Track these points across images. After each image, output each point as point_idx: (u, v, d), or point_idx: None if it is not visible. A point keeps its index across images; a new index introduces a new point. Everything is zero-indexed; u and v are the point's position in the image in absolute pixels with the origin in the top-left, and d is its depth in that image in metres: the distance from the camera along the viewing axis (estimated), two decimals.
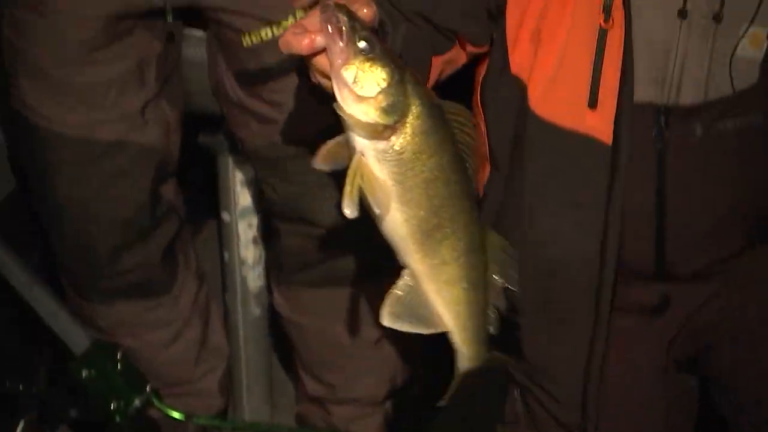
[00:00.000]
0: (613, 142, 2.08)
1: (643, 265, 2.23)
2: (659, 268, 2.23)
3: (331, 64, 1.68)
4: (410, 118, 1.72)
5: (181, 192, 2.91)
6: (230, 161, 3.01)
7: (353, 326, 2.87)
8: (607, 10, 2.05)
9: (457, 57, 2.19)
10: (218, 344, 3.02)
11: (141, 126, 2.66)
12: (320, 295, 2.85)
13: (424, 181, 1.76)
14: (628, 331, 2.29)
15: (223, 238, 3.11)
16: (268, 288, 3.04)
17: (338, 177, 2.64)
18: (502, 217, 2.27)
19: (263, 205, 2.94)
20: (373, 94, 1.68)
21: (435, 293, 1.85)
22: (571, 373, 2.29)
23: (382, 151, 1.73)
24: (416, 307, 1.85)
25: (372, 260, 2.80)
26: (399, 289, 1.84)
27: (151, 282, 2.82)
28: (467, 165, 1.81)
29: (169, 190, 2.82)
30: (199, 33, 2.72)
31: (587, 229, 2.17)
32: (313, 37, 1.70)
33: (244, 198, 3.03)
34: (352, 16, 1.68)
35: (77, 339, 2.79)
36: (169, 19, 2.58)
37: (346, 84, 1.69)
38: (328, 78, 1.70)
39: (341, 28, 1.66)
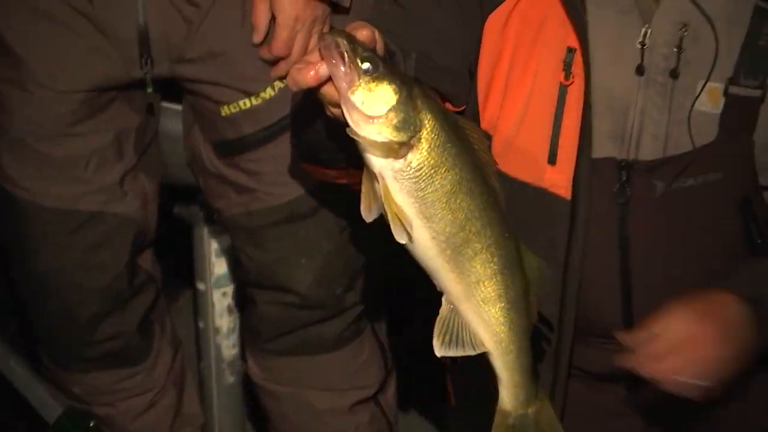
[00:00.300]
0: (572, 197, 2.07)
1: (609, 324, 2.20)
2: (627, 326, 2.21)
3: (338, 90, 1.66)
4: (424, 133, 1.69)
5: (158, 261, 2.91)
6: (205, 232, 3.04)
7: (327, 394, 2.85)
8: (567, 68, 2.06)
9: None
10: (193, 412, 3.00)
11: (120, 197, 2.68)
12: (294, 363, 2.84)
13: (446, 195, 1.72)
14: (587, 395, 2.29)
15: (198, 306, 3.12)
16: (243, 356, 3.03)
17: (312, 245, 2.71)
18: None
19: (238, 274, 2.94)
20: (383, 113, 1.66)
21: (474, 314, 1.80)
22: None
23: (399, 170, 1.69)
24: (460, 330, 1.80)
25: (346, 327, 2.83)
26: (442, 317, 1.80)
27: (127, 350, 2.80)
28: (490, 177, 1.78)
29: (147, 260, 2.82)
30: (174, 106, 2.75)
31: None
32: (316, 67, 1.68)
33: (219, 267, 3.05)
34: (351, 39, 1.67)
35: (50, 408, 2.79)
36: (150, 90, 2.61)
37: (354, 107, 1.66)
38: (340, 106, 1.69)
39: (342, 52, 1.65)
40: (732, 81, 2.06)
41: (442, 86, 2.12)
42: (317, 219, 2.66)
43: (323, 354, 2.83)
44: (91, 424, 2.74)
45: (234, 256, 2.89)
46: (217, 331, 3.09)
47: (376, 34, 1.73)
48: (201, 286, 3.08)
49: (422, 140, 1.68)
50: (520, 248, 1.82)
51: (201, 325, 3.12)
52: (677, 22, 2.05)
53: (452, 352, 1.80)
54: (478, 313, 1.80)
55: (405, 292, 3.21)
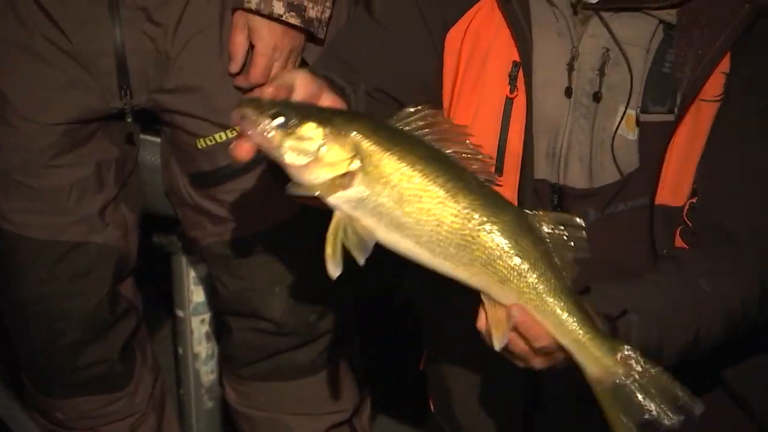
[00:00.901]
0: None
1: None
2: None
3: (267, 153, 1.68)
4: (361, 155, 1.68)
5: (139, 289, 2.91)
6: (183, 261, 3.05)
7: (303, 418, 2.86)
8: (512, 81, 2.07)
9: None
10: None
11: (101, 227, 2.68)
12: (269, 388, 2.85)
13: (405, 198, 1.71)
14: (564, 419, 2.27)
15: (177, 333, 3.13)
16: (221, 381, 3.03)
17: (285, 274, 2.71)
18: None
19: (215, 302, 2.95)
20: (311, 157, 1.66)
21: (506, 294, 1.74)
22: None
23: (353, 198, 1.69)
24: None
25: (319, 353, 2.84)
26: (485, 314, 1.76)
27: (109, 376, 2.80)
28: (451, 155, 1.74)
29: (128, 288, 2.83)
30: (154, 139, 2.77)
31: None
32: (244, 141, 1.70)
33: (197, 295, 3.06)
34: (255, 104, 1.68)
35: None
36: (129, 119, 2.63)
37: (286, 164, 1.67)
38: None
39: (252, 120, 1.66)
40: (642, 109, 2.05)
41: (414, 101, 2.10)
42: (291, 249, 2.68)
43: (298, 379, 2.84)
44: None
45: (211, 285, 2.90)
46: (195, 357, 3.09)
47: (299, 80, 1.75)
48: (180, 313, 3.09)
49: (362, 161, 1.68)
50: (521, 214, 1.76)
51: (180, 351, 3.12)
52: (600, 46, 2.05)
53: (503, 340, 1.74)
54: (516, 294, 1.74)
55: (379, 304, 3.26)
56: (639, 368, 1.75)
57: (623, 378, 1.75)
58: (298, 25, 2.53)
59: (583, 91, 2.06)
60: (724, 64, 2.01)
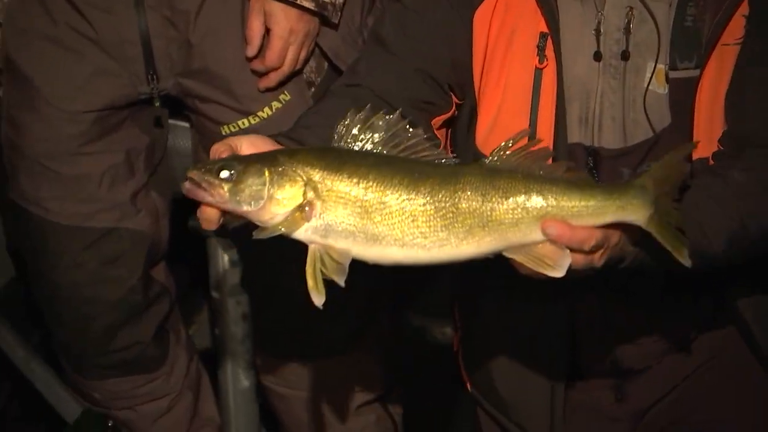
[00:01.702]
0: None
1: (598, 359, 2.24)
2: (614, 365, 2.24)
3: (228, 211, 1.68)
4: (311, 184, 1.68)
5: (175, 271, 2.93)
6: (218, 244, 3.03)
7: (333, 395, 2.87)
8: (541, 51, 2.07)
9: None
10: (210, 415, 3.02)
11: (132, 214, 2.70)
12: (301, 366, 2.87)
13: (369, 210, 1.70)
14: (579, 399, 2.30)
15: (214, 315, 3.12)
16: (256, 361, 3.04)
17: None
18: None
19: (248, 282, 2.94)
20: (264, 200, 1.66)
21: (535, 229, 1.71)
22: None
23: (319, 227, 1.69)
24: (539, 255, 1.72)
25: (351, 330, 2.84)
26: (520, 264, 1.72)
27: (143, 358, 2.82)
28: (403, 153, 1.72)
29: (161, 272, 2.84)
30: (183, 124, 2.77)
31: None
32: (204, 208, 1.71)
33: (232, 277, 3.03)
34: (200, 166, 1.68)
35: (69, 409, 2.85)
36: (157, 104, 2.63)
37: (243, 213, 1.68)
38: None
39: (200, 181, 1.66)
40: (671, 66, 2.06)
41: (421, 98, 2.13)
42: None
43: (329, 357, 2.85)
44: (110, 424, 2.80)
45: (244, 266, 2.90)
46: (232, 337, 3.07)
47: (246, 141, 1.75)
48: (216, 294, 3.07)
49: (315, 190, 1.67)
50: (481, 163, 1.73)
51: (217, 332, 3.12)
52: (624, 6, 2.06)
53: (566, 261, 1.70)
54: (524, 226, 1.70)
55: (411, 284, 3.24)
56: (659, 175, 1.74)
57: (663, 197, 1.74)
58: (313, 9, 2.53)
59: (611, 52, 2.07)
60: (744, 8, 2.02)
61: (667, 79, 2.06)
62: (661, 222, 1.74)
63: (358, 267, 2.79)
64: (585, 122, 2.10)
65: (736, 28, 2.03)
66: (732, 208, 1.94)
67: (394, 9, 2.19)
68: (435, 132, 2.16)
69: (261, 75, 2.58)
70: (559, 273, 1.70)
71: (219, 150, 1.74)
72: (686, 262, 1.75)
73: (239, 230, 2.68)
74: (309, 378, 2.86)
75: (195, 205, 3.04)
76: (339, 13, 2.56)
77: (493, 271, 1.90)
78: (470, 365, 2.41)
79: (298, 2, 2.51)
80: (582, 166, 2.08)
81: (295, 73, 2.60)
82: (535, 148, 1.73)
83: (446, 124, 2.23)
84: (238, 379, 3.10)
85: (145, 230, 2.74)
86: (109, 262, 2.70)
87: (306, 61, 2.61)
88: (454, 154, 1.80)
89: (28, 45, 2.61)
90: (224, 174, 1.66)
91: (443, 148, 2.18)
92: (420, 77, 2.13)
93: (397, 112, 1.73)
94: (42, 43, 2.60)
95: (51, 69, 2.60)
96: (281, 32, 2.54)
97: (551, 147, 2.06)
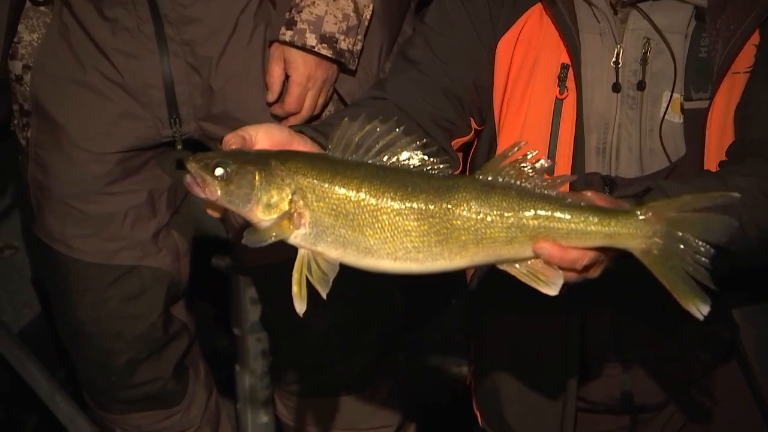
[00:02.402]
0: None
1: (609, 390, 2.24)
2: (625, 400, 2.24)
3: (221, 205, 1.70)
4: (299, 194, 1.67)
5: (198, 308, 2.96)
6: (240, 282, 3.08)
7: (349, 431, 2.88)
8: (561, 83, 2.11)
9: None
10: None
11: (154, 252, 2.73)
12: (317, 403, 2.88)
13: (361, 223, 1.68)
14: (592, 425, 2.29)
15: (235, 351, 3.16)
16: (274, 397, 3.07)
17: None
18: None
19: (264, 320, 2.98)
20: (254, 201, 1.67)
21: (528, 247, 1.69)
22: None
23: (309, 235, 1.69)
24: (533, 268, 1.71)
25: (364, 368, 2.85)
26: (517, 276, 1.70)
27: (164, 393, 2.84)
28: (392, 165, 1.70)
29: (181, 310, 2.86)
30: None
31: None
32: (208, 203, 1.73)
33: (253, 314, 3.08)
34: (198, 159, 1.68)
35: None
36: (179, 147, 2.66)
37: (234, 211, 1.68)
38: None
39: (197, 176, 1.67)
40: (686, 97, 2.08)
41: (444, 117, 2.15)
42: None
43: (344, 395, 2.86)
44: None
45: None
46: (252, 373, 3.12)
47: (262, 131, 1.75)
48: (237, 331, 3.13)
49: (304, 197, 1.67)
50: (474, 180, 1.70)
51: (237, 368, 3.16)
52: (642, 37, 2.09)
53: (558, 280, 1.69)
54: (517, 245, 1.68)
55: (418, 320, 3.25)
56: (671, 213, 1.67)
57: (663, 233, 1.67)
58: (331, 56, 2.56)
59: (629, 84, 2.11)
60: (755, 38, 2.07)
61: (683, 109, 2.10)
62: (663, 259, 1.68)
63: (372, 305, 2.78)
64: (603, 152, 2.13)
65: (747, 56, 2.07)
66: (733, 214, 1.89)
67: (424, 30, 2.25)
68: (455, 153, 2.19)
69: (281, 120, 2.60)
70: (552, 291, 1.70)
71: (230, 141, 1.75)
72: (695, 312, 1.69)
73: (261, 269, 2.74)
74: (324, 414, 2.87)
75: (218, 243, 3.08)
76: (356, 60, 2.59)
77: (505, 307, 1.92)
78: (482, 399, 2.43)
79: (317, 50, 2.54)
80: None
81: (313, 118, 2.63)
82: (532, 159, 1.71)
83: (465, 147, 2.25)
84: (257, 414, 3.15)
85: (165, 268, 2.76)
86: (131, 299, 2.73)
87: (324, 106, 2.64)
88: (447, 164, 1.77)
89: (56, 88, 2.65)
90: (218, 171, 1.66)
91: (460, 172, 2.22)
92: (444, 96, 2.17)
93: (392, 121, 1.72)
94: (70, 86, 2.63)
95: (79, 112, 2.63)
96: (300, 79, 2.57)
97: (569, 172, 2.08)
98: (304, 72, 2.57)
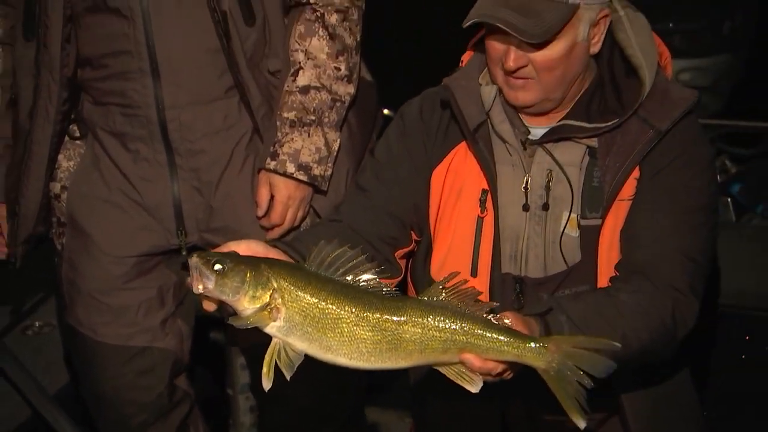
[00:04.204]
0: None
1: None
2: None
3: (213, 295, 1.76)
4: (279, 293, 1.74)
5: (200, 375, 3.04)
6: (232, 352, 3.16)
7: None
8: (482, 204, 2.18)
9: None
10: None
11: (162, 336, 2.78)
12: None
13: (324, 326, 1.75)
14: None
15: (229, 407, 3.27)
16: None
17: (310, 364, 2.74)
18: None
19: (254, 385, 3.03)
20: (241, 293, 1.73)
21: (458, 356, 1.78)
22: None
23: (282, 327, 1.75)
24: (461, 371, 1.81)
25: (340, 426, 2.91)
26: (453, 377, 1.81)
27: None
28: (356, 282, 1.78)
29: (183, 381, 2.90)
30: None
31: None
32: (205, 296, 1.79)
33: (243, 378, 3.18)
34: (202, 256, 1.74)
35: None
36: (184, 253, 2.71)
37: (224, 300, 1.75)
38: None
39: (200, 269, 1.74)
40: (582, 216, 2.14)
41: (388, 235, 2.23)
42: None
43: None
44: None
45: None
46: (242, 425, 3.20)
47: (243, 245, 1.86)
48: (230, 391, 3.21)
49: (282, 297, 1.74)
50: (420, 300, 1.80)
51: (231, 421, 3.25)
52: (545, 169, 2.16)
53: (479, 381, 1.80)
54: (451, 354, 1.79)
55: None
56: (567, 347, 1.80)
57: (559, 361, 1.80)
58: (306, 181, 2.63)
59: (535, 205, 2.16)
60: (636, 173, 2.13)
61: (579, 226, 2.15)
62: (557, 380, 1.80)
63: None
64: (515, 258, 2.18)
65: (630, 188, 2.13)
66: (617, 326, 1.99)
67: (372, 162, 2.31)
68: (398, 261, 2.24)
69: (268, 230, 2.66)
70: (474, 389, 1.82)
71: (222, 249, 1.84)
72: (578, 422, 1.81)
73: (248, 342, 2.82)
74: None
75: (216, 321, 3.19)
76: (327, 183, 2.65)
77: (442, 396, 2.03)
78: None
79: (295, 176, 2.61)
80: (511, 290, 2.17)
81: (293, 228, 2.68)
82: (464, 286, 1.82)
83: (407, 255, 2.30)
84: None
85: (171, 349, 2.79)
86: (142, 374, 2.77)
87: (303, 219, 2.69)
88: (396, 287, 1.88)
89: (87, 205, 2.71)
90: (217, 267, 1.73)
91: (403, 275, 2.28)
92: (389, 217, 2.23)
93: (358, 249, 1.81)
94: (98, 203, 2.70)
95: (104, 224, 2.70)
96: (282, 198, 2.64)
97: (488, 278, 2.16)
98: (286, 193, 2.64)
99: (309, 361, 2.74)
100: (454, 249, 2.19)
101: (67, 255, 2.77)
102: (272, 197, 2.67)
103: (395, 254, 2.25)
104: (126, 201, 2.71)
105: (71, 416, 3.05)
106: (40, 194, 2.71)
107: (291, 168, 2.62)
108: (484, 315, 1.80)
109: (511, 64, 2.08)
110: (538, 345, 1.79)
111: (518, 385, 1.97)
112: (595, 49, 2.14)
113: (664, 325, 2.04)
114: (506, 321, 1.83)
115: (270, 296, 1.73)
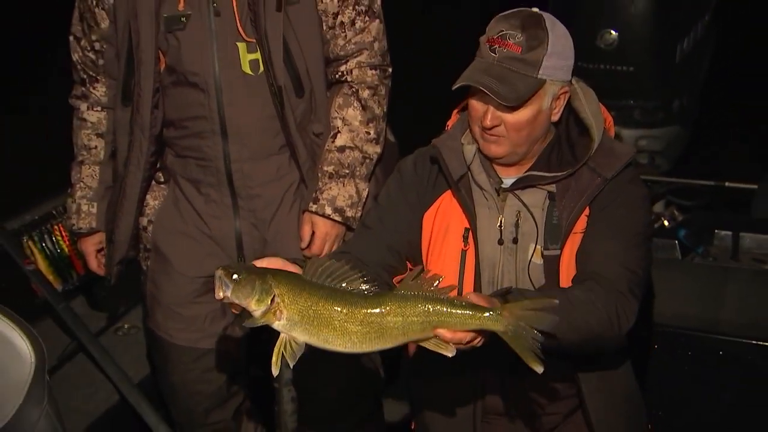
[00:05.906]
0: None
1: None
2: None
3: (227, 299, 1.83)
4: (280, 296, 1.81)
5: (251, 370, 3.10)
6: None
7: None
8: (465, 240, 2.21)
9: None
10: None
11: (223, 341, 2.88)
12: None
13: (320, 323, 1.81)
14: None
15: (276, 397, 3.30)
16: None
17: (337, 366, 2.88)
18: None
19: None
20: (250, 298, 1.81)
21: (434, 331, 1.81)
22: None
23: (286, 324, 1.83)
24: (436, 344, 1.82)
25: (360, 418, 3.00)
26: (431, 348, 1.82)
27: (226, 429, 3.01)
28: (346, 287, 1.84)
29: (239, 376, 3.01)
30: None
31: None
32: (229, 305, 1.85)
33: (286, 374, 3.23)
34: (225, 267, 1.81)
35: None
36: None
37: (239, 303, 1.83)
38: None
39: (222, 278, 1.83)
40: (545, 247, 2.18)
41: (388, 264, 2.27)
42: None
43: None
44: None
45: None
46: (285, 411, 3.27)
47: (266, 261, 1.93)
48: (276, 385, 3.27)
49: (282, 300, 1.82)
50: (397, 293, 1.86)
51: (276, 408, 3.29)
52: (515, 210, 2.19)
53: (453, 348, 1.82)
54: (428, 331, 1.86)
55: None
56: (517, 311, 1.88)
57: (513, 323, 1.87)
58: (341, 221, 2.72)
59: (508, 239, 2.19)
60: (586, 211, 2.18)
61: (543, 255, 2.17)
62: (515, 338, 1.88)
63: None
64: (492, 283, 2.21)
65: (582, 223, 2.17)
66: (570, 312, 2.04)
67: (376, 206, 2.34)
68: (395, 285, 2.23)
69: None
70: (450, 354, 1.87)
71: (274, 262, 1.91)
72: (537, 368, 1.89)
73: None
74: None
75: (262, 328, 3.29)
76: (357, 222, 2.74)
77: (429, 367, 2.11)
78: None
79: (332, 217, 2.71)
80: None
81: None
82: (430, 276, 1.90)
83: None
84: None
85: (230, 351, 2.90)
86: (207, 371, 2.88)
87: None
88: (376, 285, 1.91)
89: (167, 235, 2.84)
90: (234, 276, 1.80)
91: None
92: (389, 250, 2.25)
93: (342, 261, 1.86)
94: (177, 235, 2.82)
95: (181, 251, 2.82)
96: (321, 235, 2.74)
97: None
98: (324, 230, 2.74)
99: (336, 366, 2.90)
100: (443, 281, 2.17)
101: (150, 274, 2.89)
102: (313, 233, 2.75)
103: (393, 279, 2.31)
104: (198, 233, 2.81)
105: (151, 402, 3.15)
106: (131, 226, 2.81)
107: (329, 210, 2.71)
108: (451, 296, 1.86)
109: (487, 122, 2.15)
110: (493, 313, 1.85)
111: (492, 358, 2.05)
112: (555, 117, 2.20)
113: (609, 317, 2.06)
114: (470, 297, 1.89)
115: (272, 300, 1.80)
